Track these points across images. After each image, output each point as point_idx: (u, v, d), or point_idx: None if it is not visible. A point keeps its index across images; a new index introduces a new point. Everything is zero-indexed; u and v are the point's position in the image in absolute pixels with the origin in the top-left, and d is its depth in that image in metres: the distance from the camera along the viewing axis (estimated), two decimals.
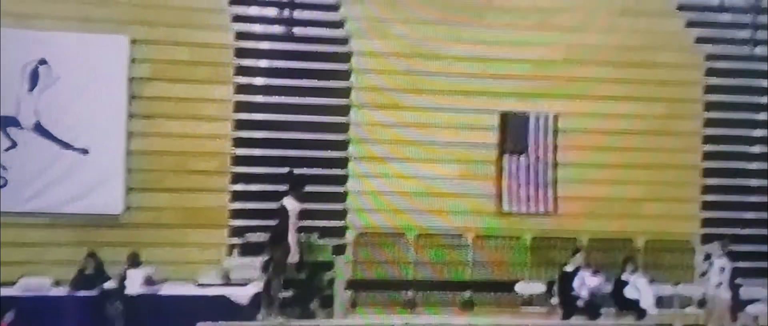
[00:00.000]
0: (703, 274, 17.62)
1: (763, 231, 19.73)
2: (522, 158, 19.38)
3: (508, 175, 19.32)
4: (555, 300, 17.72)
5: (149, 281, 16.25)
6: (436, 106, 19.08)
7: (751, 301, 18.13)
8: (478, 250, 18.94)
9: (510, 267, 18.89)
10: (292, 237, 15.85)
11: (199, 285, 16.68)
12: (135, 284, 16.07)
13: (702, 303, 17.77)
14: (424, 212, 18.78)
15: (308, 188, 16.69)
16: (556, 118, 19.45)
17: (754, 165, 20.19)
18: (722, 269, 17.15)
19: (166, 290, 16.27)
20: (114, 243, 17.04)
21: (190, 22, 18.02)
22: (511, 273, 18.80)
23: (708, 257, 17.60)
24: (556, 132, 19.46)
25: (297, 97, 18.55)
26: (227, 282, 16.88)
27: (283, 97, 18.53)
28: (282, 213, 15.84)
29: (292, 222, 15.85)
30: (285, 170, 17.51)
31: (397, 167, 18.87)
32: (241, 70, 18.37)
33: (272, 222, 16.28)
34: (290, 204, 15.91)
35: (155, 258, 16.76)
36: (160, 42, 17.87)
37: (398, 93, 19.00)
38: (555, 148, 19.46)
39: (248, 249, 17.60)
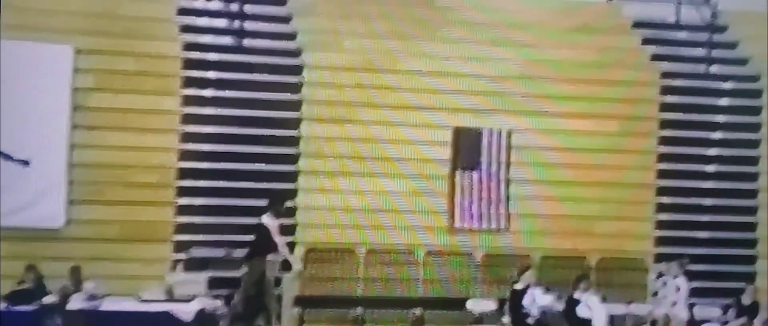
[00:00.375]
0: (655, 294, 17.56)
1: (716, 251, 19.76)
2: (475, 174, 19.29)
3: (460, 191, 19.22)
4: (506, 319, 17.60)
5: (91, 296, 15.97)
6: (389, 121, 18.95)
7: (704, 321, 18.07)
8: (429, 267, 18.79)
9: (461, 284, 18.75)
10: (282, 250, 15.60)
11: (142, 300, 16.41)
12: (77, 299, 15.79)
13: (654, 323, 17.71)
14: (375, 228, 18.62)
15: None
16: (509, 134, 19.36)
17: (709, 184, 20.19)
18: (678, 288, 17.15)
19: (108, 305, 15.93)
20: (55, 257, 16.71)
21: (137, 32, 17.80)
22: (462, 291, 18.67)
23: (660, 275, 17.56)
24: (509, 148, 19.38)
25: (246, 110, 18.32)
26: (171, 298, 16.62)
27: (232, 109, 18.28)
28: (260, 230, 15.52)
29: (276, 239, 15.53)
30: (230, 184, 17.36)
31: (348, 182, 18.73)
32: (189, 82, 18.13)
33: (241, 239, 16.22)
34: (269, 220, 15.65)
35: (97, 273, 16.46)
36: (105, 52, 17.63)
37: (350, 107, 18.86)
38: (508, 164, 19.38)
39: (193, 265, 17.36)
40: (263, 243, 15.59)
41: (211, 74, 18.38)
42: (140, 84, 17.67)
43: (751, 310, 17.79)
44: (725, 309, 18.28)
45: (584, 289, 17.71)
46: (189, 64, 18.19)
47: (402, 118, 19.01)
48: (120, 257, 17.19)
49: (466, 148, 19.30)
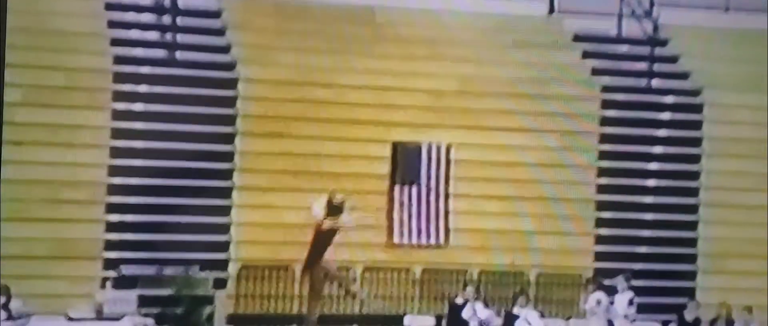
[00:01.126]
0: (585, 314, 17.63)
1: (656, 267, 19.91)
2: (413, 189, 19.34)
3: (398, 207, 19.25)
4: None
5: (18, 315, 15.83)
6: (326, 136, 18.95)
7: None
8: (367, 283, 18.80)
9: (399, 300, 18.77)
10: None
11: (70, 319, 16.33)
12: (3, 318, 15.65)
13: None
14: None
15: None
16: (448, 148, 19.45)
17: (650, 200, 20.35)
18: (598, 301, 17.22)
19: (35, 324, 15.85)
20: None
21: (66, 46, 17.76)
22: (400, 306, 18.68)
23: (599, 288, 17.64)
24: (448, 163, 19.46)
25: (179, 124, 18.27)
26: (100, 316, 16.54)
27: (164, 123, 18.22)
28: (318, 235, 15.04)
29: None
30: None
31: (283, 198, 18.67)
32: (120, 96, 18.08)
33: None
34: (327, 223, 15.36)
35: (24, 291, 16.31)
36: (33, 66, 17.53)
37: (286, 121, 18.85)
38: (447, 179, 19.45)
39: (122, 283, 17.25)
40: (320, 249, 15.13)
41: (143, 88, 18.32)
42: (70, 99, 17.62)
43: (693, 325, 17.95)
44: (665, 324, 18.44)
45: (523, 304, 17.84)
46: (120, 77, 18.12)
47: (339, 133, 19.02)
48: (48, 275, 17.07)
49: (405, 163, 19.36)
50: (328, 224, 14.94)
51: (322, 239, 14.93)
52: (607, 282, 18.12)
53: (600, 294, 17.26)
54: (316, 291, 15.68)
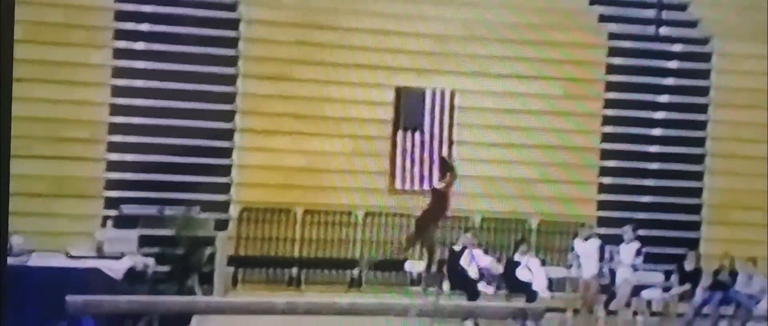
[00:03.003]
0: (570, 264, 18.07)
1: (660, 216, 20.35)
2: (417, 135, 19.74)
3: (401, 152, 19.67)
4: (445, 282, 18.11)
5: (18, 251, 16.25)
6: (329, 79, 19.30)
7: (646, 286, 18.62)
8: (368, 228, 19.24)
9: (400, 246, 19.24)
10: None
11: (71, 256, 16.74)
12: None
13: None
14: (313, 188, 19.05)
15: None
16: (452, 94, 19.83)
17: (654, 149, 20.75)
18: (638, 251, 17.79)
19: (36, 261, 16.26)
20: None
21: None
22: (400, 252, 19.16)
23: (587, 238, 18.05)
24: (452, 109, 19.85)
25: (180, 64, 18.63)
26: (100, 254, 16.97)
27: (166, 63, 18.58)
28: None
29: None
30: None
31: (285, 141, 19.10)
32: (121, 34, 18.43)
33: None
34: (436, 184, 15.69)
35: (25, 228, 16.76)
36: (33, 3, 17.82)
37: (289, 64, 19.20)
38: (451, 125, 19.85)
39: (123, 222, 17.72)
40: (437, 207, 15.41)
41: (145, 27, 18.65)
42: (69, 36, 17.95)
43: (694, 276, 18.38)
44: (668, 275, 18.88)
45: (524, 252, 18.31)
46: (121, 16, 18.46)
47: (342, 77, 19.38)
48: (49, 212, 17.51)
49: (409, 109, 19.75)
50: (441, 184, 15.35)
51: (440, 198, 15.33)
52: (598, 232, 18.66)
53: (596, 242, 17.74)
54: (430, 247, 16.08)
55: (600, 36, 20.72)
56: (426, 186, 19.68)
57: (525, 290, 17.88)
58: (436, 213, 15.25)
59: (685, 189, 20.71)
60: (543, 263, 18.42)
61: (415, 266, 18.85)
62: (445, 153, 15.58)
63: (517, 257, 18.17)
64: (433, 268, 16.40)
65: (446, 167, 15.14)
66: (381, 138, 19.59)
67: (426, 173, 19.71)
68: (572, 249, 18.18)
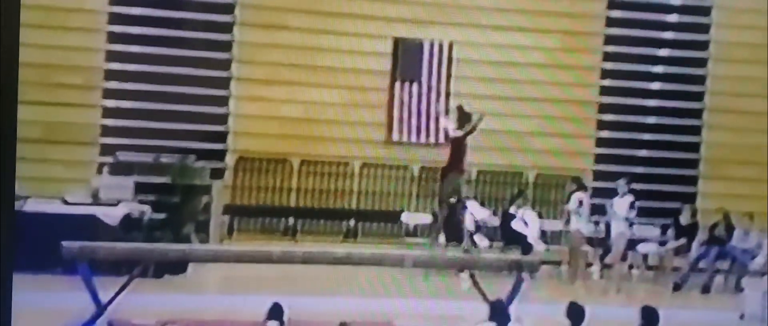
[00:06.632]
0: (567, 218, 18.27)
1: (656, 170, 20.56)
2: (414, 87, 19.88)
3: (398, 104, 19.82)
4: (442, 235, 18.31)
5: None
6: (326, 29, 19.40)
7: (642, 240, 18.82)
8: (365, 179, 19.44)
9: (397, 197, 19.45)
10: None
11: (67, 203, 16.90)
12: None
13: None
14: (310, 138, 19.25)
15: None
16: (450, 46, 19.96)
17: (652, 103, 20.93)
18: (632, 205, 17.90)
19: (31, 206, 16.37)
20: None
21: None
22: (397, 203, 19.36)
23: (580, 188, 18.25)
24: (449, 61, 19.98)
25: (177, 11, 18.78)
26: (96, 201, 17.12)
27: (161, 10, 18.72)
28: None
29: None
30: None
31: (282, 90, 19.27)
32: None
33: None
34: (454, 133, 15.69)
35: (20, 174, 16.84)
36: None
37: (285, 13, 19.29)
38: (448, 77, 20.00)
39: (119, 169, 17.91)
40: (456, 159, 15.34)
41: None
42: None
43: (690, 231, 18.60)
44: (664, 229, 19.10)
45: (520, 205, 18.50)
46: None
47: (339, 27, 19.48)
48: (44, 158, 17.63)
49: (406, 60, 19.89)
50: (459, 132, 15.30)
51: (458, 146, 15.27)
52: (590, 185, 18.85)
53: (581, 195, 17.93)
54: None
55: None
56: (423, 139, 19.90)
57: (520, 242, 18.12)
58: (454, 164, 15.30)
59: (682, 144, 20.93)
60: (540, 216, 18.63)
61: (411, 218, 19.08)
62: (456, 103, 15.56)
63: (512, 209, 18.37)
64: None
65: (465, 116, 15.16)
66: (378, 89, 19.75)
67: (423, 125, 19.89)
68: (568, 201, 18.36)
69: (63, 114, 18.04)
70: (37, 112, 17.77)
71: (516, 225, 18.29)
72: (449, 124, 17.58)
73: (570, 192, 18.22)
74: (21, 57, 17.36)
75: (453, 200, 18.01)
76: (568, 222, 18.11)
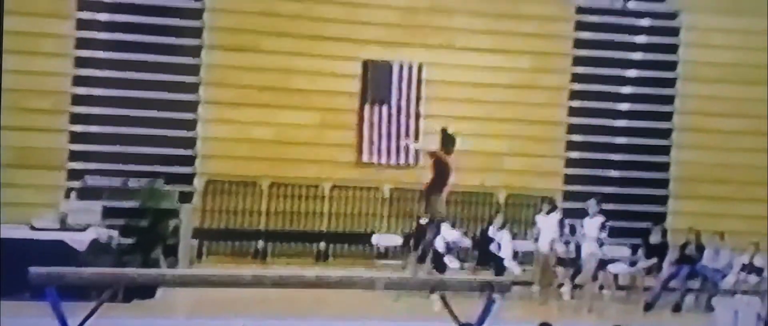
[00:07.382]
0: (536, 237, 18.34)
1: (626, 190, 20.67)
2: (384, 108, 19.94)
3: (368, 125, 19.87)
4: (413, 255, 18.28)
5: None
6: (295, 51, 19.47)
7: (613, 260, 18.87)
8: (335, 201, 19.45)
9: (367, 218, 19.48)
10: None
11: (34, 228, 16.78)
12: None
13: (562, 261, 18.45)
14: (279, 160, 19.29)
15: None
16: (420, 68, 20.04)
17: (621, 123, 21.06)
18: (603, 225, 17.82)
19: None
20: None
21: None
22: (368, 225, 19.39)
23: (549, 212, 18.32)
24: (419, 82, 20.06)
25: (144, 35, 18.77)
26: (64, 226, 17.01)
27: (128, 34, 18.71)
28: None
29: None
30: None
31: (251, 113, 19.27)
32: (84, 5, 18.56)
33: None
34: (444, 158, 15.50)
35: None
36: None
37: (254, 35, 19.35)
38: (418, 99, 20.07)
39: (87, 193, 17.86)
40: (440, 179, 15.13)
41: None
42: (33, 6, 17.95)
43: (660, 250, 18.67)
44: (635, 249, 19.16)
45: (499, 227, 18.52)
46: None
47: (309, 49, 19.54)
48: (11, 183, 17.52)
49: (376, 82, 19.96)
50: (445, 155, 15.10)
51: (443, 169, 15.12)
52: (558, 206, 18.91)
53: (554, 215, 18.03)
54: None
55: (568, 9, 20.98)
56: (393, 160, 19.94)
57: (495, 263, 18.12)
58: (437, 185, 15.20)
59: (652, 164, 21.09)
60: (514, 236, 18.68)
61: (382, 239, 19.09)
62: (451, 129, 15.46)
63: (491, 232, 18.38)
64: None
65: (449, 140, 15.04)
66: (348, 111, 19.79)
67: (393, 146, 19.93)
68: (534, 223, 18.43)
69: (31, 139, 17.99)
70: (5, 137, 17.66)
71: (493, 247, 18.29)
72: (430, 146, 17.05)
73: (546, 211, 18.24)
74: None
75: (423, 221, 17.99)
76: (537, 240, 18.17)
